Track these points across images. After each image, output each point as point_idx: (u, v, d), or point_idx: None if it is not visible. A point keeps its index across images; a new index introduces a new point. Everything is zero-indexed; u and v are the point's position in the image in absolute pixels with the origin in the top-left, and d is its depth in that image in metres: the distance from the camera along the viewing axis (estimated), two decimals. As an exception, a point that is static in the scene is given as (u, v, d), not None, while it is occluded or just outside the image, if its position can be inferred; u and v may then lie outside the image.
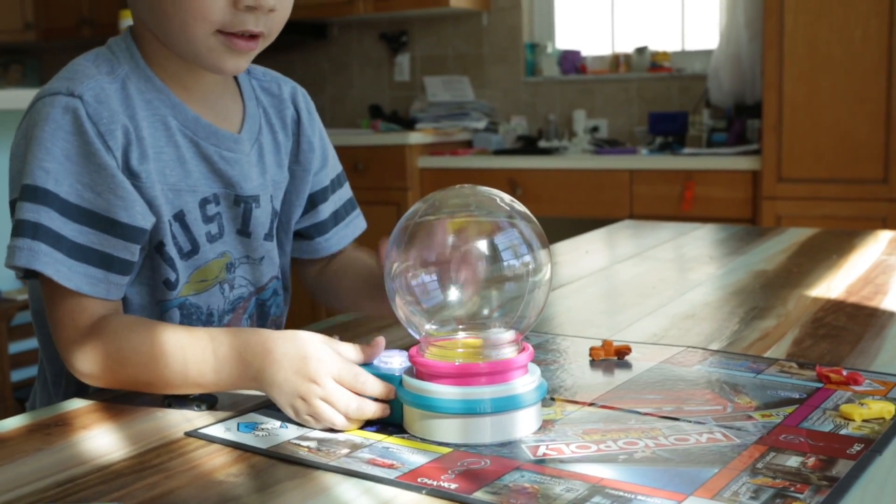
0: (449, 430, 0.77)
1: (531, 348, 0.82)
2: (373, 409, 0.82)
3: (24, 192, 0.91)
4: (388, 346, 0.88)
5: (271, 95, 1.13)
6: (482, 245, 0.81)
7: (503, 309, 0.82)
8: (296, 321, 1.04)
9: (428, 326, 0.82)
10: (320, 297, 1.21)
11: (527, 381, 0.79)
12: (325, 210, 1.17)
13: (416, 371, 0.81)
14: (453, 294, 0.82)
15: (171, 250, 0.99)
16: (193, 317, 1.04)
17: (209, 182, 1.02)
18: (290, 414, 0.83)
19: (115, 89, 0.96)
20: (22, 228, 0.90)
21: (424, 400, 0.78)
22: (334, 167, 1.20)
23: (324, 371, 0.82)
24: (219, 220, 1.04)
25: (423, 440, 0.78)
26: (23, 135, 0.95)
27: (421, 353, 0.81)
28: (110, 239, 0.93)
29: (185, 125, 1.00)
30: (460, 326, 0.83)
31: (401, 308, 0.82)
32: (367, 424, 0.82)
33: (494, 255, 0.81)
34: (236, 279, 1.07)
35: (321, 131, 1.18)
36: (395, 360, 0.85)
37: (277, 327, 1.14)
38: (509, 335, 0.81)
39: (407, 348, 0.85)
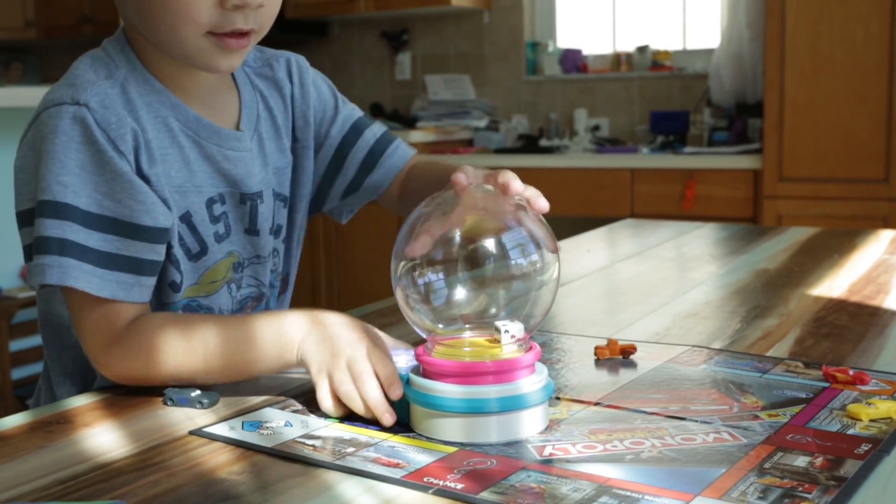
0: (455, 429, 0.77)
1: (538, 347, 0.82)
2: (376, 396, 0.81)
3: (43, 208, 0.89)
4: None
5: (266, 79, 1.12)
6: (489, 243, 0.81)
7: (510, 308, 0.81)
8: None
9: (434, 325, 0.82)
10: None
11: (533, 381, 0.79)
12: (360, 151, 1.17)
13: (423, 370, 0.81)
14: (460, 293, 0.81)
15: (178, 251, 0.99)
16: None
17: (214, 182, 1.02)
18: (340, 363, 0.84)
19: (117, 93, 0.95)
20: (47, 245, 0.89)
21: (430, 399, 0.78)
22: (353, 111, 1.19)
23: (362, 350, 0.84)
24: (225, 219, 1.03)
25: (429, 439, 0.78)
26: (29, 147, 0.94)
27: (427, 352, 0.80)
28: (136, 243, 0.92)
29: (186, 126, 1.00)
30: (467, 325, 0.82)
31: (407, 306, 0.82)
32: (371, 423, 0.82)
33: (502, 254, 0.80)
34: (243, 279, 1.07)
35: (319, 92, 1.16)
36: (402, 359, 0.84)
37: None
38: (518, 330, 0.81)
39: (414, 346, 0.85)
